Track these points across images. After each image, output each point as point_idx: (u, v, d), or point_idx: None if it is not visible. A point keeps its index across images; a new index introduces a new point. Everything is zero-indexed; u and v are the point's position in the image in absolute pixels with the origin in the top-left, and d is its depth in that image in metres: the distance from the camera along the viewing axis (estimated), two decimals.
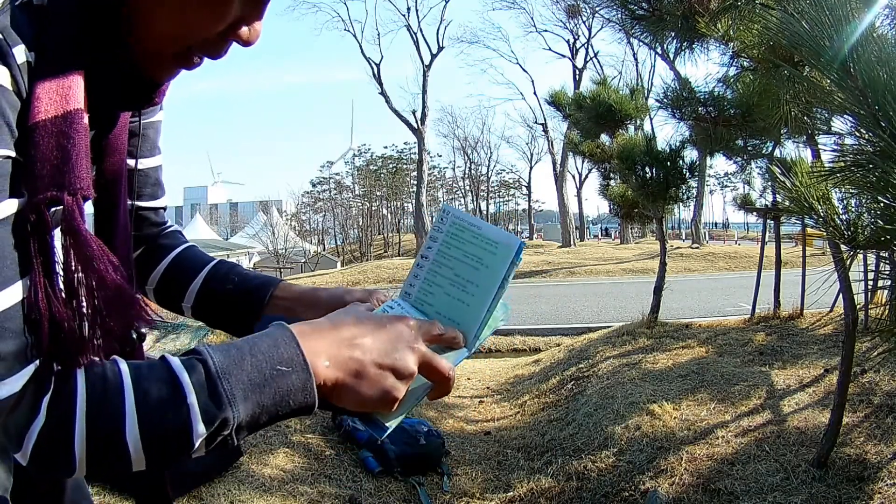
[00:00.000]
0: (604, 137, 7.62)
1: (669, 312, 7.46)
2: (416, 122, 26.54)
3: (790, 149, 4.76)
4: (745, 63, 3.32)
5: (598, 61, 30.86)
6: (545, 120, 30.92)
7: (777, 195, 5.23)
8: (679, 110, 4.26)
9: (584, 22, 28.30)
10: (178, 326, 5.10)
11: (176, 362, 0.48)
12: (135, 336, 0.68)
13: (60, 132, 0.48)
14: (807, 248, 5.96)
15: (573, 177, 36.11)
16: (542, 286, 13.60)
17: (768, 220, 6.14)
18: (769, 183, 5.83)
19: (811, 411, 3.31)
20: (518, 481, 3.26)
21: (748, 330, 5.27)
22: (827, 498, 2.48)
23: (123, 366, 0.48)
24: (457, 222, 0.64)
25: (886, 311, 1.80)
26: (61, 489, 0.68)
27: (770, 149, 4.74)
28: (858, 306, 2.93)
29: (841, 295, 2.88)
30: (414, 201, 34.86)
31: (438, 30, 44.38)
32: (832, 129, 1.80)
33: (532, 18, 47.93)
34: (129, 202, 0.75)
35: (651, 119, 7.78)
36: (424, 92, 26.97)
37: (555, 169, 28.92)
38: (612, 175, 7.82)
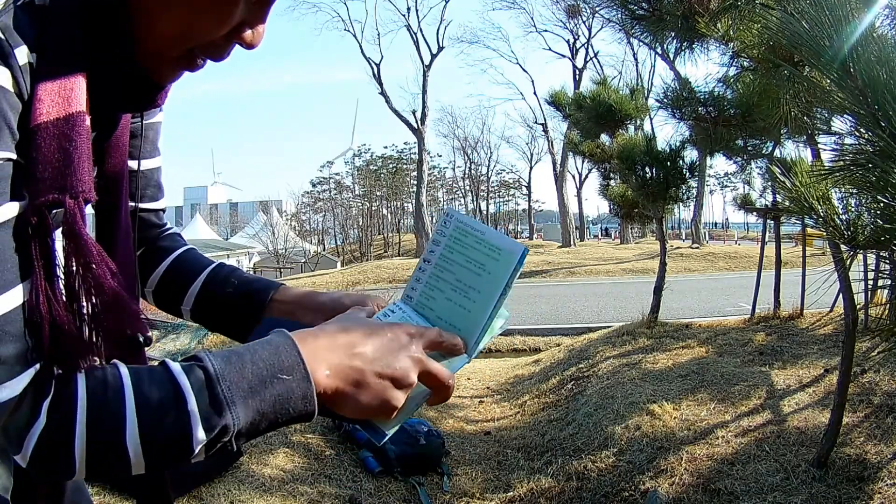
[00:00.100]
0: (604, 137, 7.63)
1: (669, 312, 7.46)
2: (416, 122, 26.54)
3: (790, 149, 4.76)
4: (745, 63, 3.32)
5: (598, 61, 30.90)
6: (545, 120, 30.94)
7: (777, 195, 5.23)
8: (679, 110, 4.26)
9: (584, 22, 28.33)
10: (178, 327, 5.10)
11: (177, 368, 0.48)
12: (141, 339, 0.68)
13: (62, 134, 0.48)
14: (807, 248, 5.96)
15: (573, 177, 36.14)
16: (542, 286, 13.60)
17: (768, 220, 6.14)
18: (769, 183, 5.83)
19: (811, 411, 3.31)
20: (518, 481, 3.26)
21: (748, 330, 5.27)
22: (827, 498, 2.48)
23: (124, 370, 0.48)
24: (460, 227, 0.64)
25: (886, 311, 1.81)
26: (61, 490, 0.68)
27: (770, 149, 4.74)
28: (858, 306, 2.93)
29: (841, 295, 2.88)
30: (414, 201, 34.86)
31: (438, 30, 44.45)
32: (832, 128, 1.80)
33: (532, 18, 48.04)
34: (133, 204, 0.75)
35: (651, 119, 7.79)
36: (424, 92, 26.97)
37: (555, 169, 28.93)
38: (612, 175, 7.82)
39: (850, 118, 1.41)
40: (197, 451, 0.47)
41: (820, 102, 1.65)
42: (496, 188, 55.84)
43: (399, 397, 0.55)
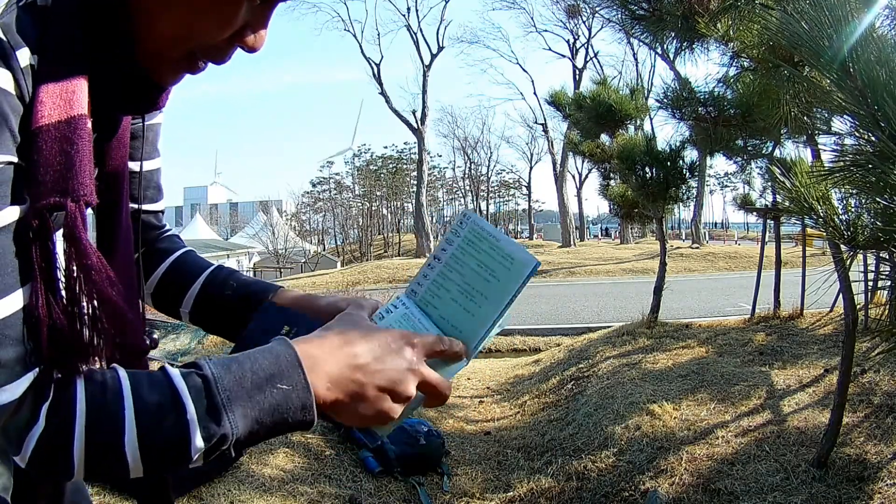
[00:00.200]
0: (604, 137, 7.63)
1: (669, 312, 7.46)
2: (416, 122, 26.54)
3: (790, 149, 4.77)
4: (745, 63, 3.32)
5: (598, 61, 30.90)
6: (545, 120, 30.94)
7: (777, 195, 5.23)
8: (679, 110, 4.26)
9: (584, 22, 28.33)
10: (177, 327, 5.10)
11: (176, 376, 0.48)
12: (148, 342, 0.68)
13: (64, 137, 0.48)
14: (807, 248, 5.96)
15: (573, 177, 36.15)
16: (542, 286, 13.60)
17: (768, 220, 6.14)
18: (769, 183, 5.83)
19: (811, 411, 3.31)
20: (518, 481, 3.27)
21: (748, 330, 5.27)
22: (827, 498, 2.48)
23: (123, 376, 0.48)
24: (476, 230, 0.63)
25: (886, 311, 1.81)
26: (61, 491, 0.68)
27: (770, 149, 4.74)
28: (858, 306, 2.93)
29: (841, 295, 2.88)
30: (414, 201, 34.86)
31: (438, 30, 44.43)
32: (832, 129, 1.80)
33: (532, 18, 47.97)
34: (136, 205, 0.75)
35: (651, 119, 7.79)
36: (424, 92, 26.97)
37: (555, 169, 28.93)
38: (612, 175, 7.82)
39: (849, 118, 1.41)
40: (195, 457, 0.48)
41: (820, 103, 1.65)
42: (496, 188, 55.86)
43: (396, 409, 0.56)
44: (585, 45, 29.45)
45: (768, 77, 2.83)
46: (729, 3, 2.76)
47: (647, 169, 5.80)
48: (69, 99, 0.49)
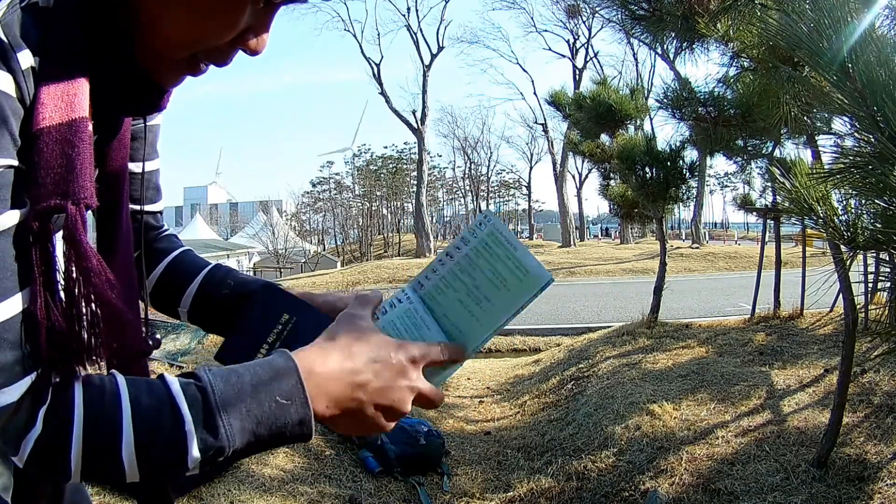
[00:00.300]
0: (604, 137, 7.62)
1: (669, 312, 7.46)
2: (416, 122, 26.53)
3: (790, 149, 4.77)
4: (745, 63, 3.32)
5: (598, 61, 30.88)
6: (545, 120, 30.93)
7: (777, 195, 5.23)
8: (679, 110, 4.26)
9: (584, 22, 28.31)
10: (177, 327, 5.10)
11: (175, 387, 0.49)
12: (150, 343, 0.69)
13: (65, 140, 0.48)
14: (807, 248, 5.96)
15: (573, 177, 36.14)
16: None
17: (768, 221, 6.14)
18: (769, 183, 5.83)
19: (811, 411, 3.31)
20: (518, 481, 3.27)
21: (748, 330, 5.27)
22: (827, 498, 2.48)
23: (122, 384, 0.48)
24: (494, 233, 0.62)
25: (886, 312, 1.81)
26: (61, 491, 0.68)
27: (770, 149, 4.74)
28: (858, 307, 2.93)
29: (841, 295, 2.88)
30: (414, 201, 34.85)
31: (438, 30, 44.33)
32: (832, 129, 1.80)
33: (532, 18, 47.86)
34: (138, 206, 0.75)
35: (651, 119, 7.78)
36: (424, 92, 26.96)
37: (555, 169, 28.92)
38: (612, 175, 7.82)
39: (849, 120, 1.41)
40: (192, 467, 0.48)
41: (819, 104, 1.65)
42: (496, 188, 55.85)
43: (391, 425, 0.57)
44: (585, 45, 29.46)
45: (768, 77, 2.83)
46: (729, 4, 2.76)
47: (647, 169, 5.80)
48: (70, 101, 0.49)
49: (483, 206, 51.30)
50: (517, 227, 55.73)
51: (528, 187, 47.61)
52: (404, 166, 52.31)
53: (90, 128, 0.51)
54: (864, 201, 1.86)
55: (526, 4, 43.80)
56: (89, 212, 0.51)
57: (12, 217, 0.46)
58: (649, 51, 23.31)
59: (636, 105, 6.88)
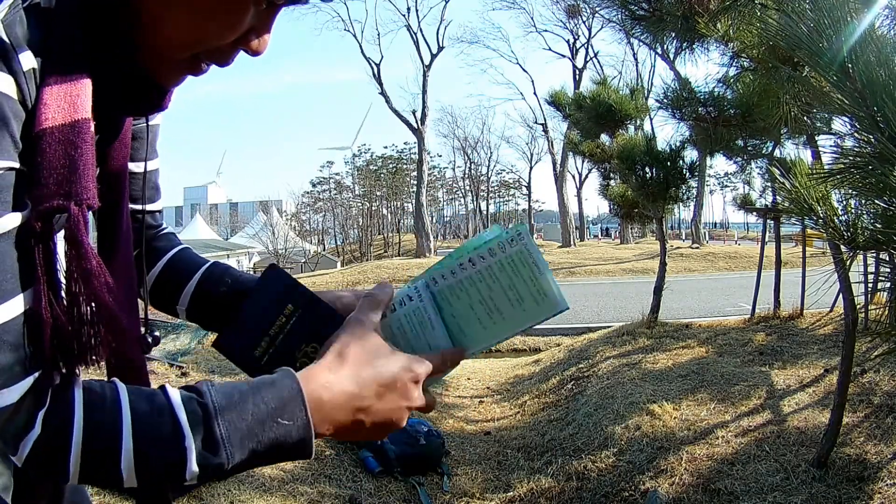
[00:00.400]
0: (604, 137, 7.63)
1: (669, 312, 7.46)
2: (416, 122, 26.54)
3: (790, 149, 4.77)
4: (744, 63, 3.32)
5: (598, 61, 30.88)
6: (545, 120, 30.92)
7: (777, 195, 5.23)
8: (679, 110, 4.26)
9: (584, 22, 28.32)
10: (178, 327, 5.10)
11: (176, 400, 0.49)
12: (150, 340, 0.69)
13: (68, 141, 0.48)
14: (807, 248, 5.97)
15: (573, 177, 36.14)
16: None
17: (768, 221, 6.14)
18: (769, 183, 5.83)
19: (811, 411, 3.32)
20: (518, 481, 3.27)
21: (748, 330, 5.27)
22: (827, 498, 2.48)
23: (123, 394, 0.48)
24: (524, 253, 0.61)
25: (886, 312, 1.81)
26: (61, 491, 0.69)
27: (770, 149, 4.74)
28: (858, 306, 2.93)
29: (841, 295, 2.88)
30: (414, 201, 34.84)
31: (438, 30, 44.27)
32: (832, 129, 1.80)
33: (532, 18, 47.75)
34: (138, 206, 0.76)
35: (651, 119, 7.78)
36: (424, 92, 26.96)
37: (555, 169, 28.93)
38: (612, 175, 7.82)
39: (849, 120, 1.41)
40: (189, 479, 0.48)
41: (819, 104, 1.65)
42: (496, 188, 55.83)
43: (386, 436, 0.59)
44: (585, 45, 29.47)
45: (768, 77, 2.83)
46: (729, 4, 2.76)
47: (647, 169, 5.80)
48: (73, 102, 0.49)
49: (483, 206, 51.30)
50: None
51: (528, 187, 47.59)
52: (404, 166, 52.30)
53: (92, 128, 0.51)
54: (864, 201, 1.86)
55: (526, 4, 43.79)
56: (90, 212, 0.51)
57: (13, 220, 0.46)
58: (649, 51, 23.31)
59: (636, 105, 6.89)
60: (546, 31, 31.51)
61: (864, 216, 1.94)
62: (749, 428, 3.24)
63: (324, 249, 43.41)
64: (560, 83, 20.75)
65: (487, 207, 53.22)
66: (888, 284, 1.65)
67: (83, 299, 0.49)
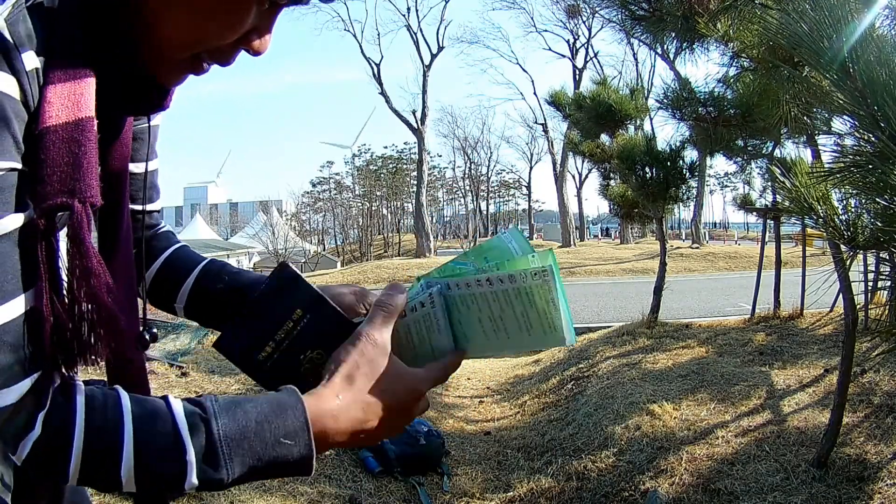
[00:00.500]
0: (604, 137, 7.63)
1: (669, 312, 7.46)
2: (416, 122, 26.54)
3: (790, 149, 4.76)
4: (744, 63, 3.32)
5: (598, 61, 30.90)
6: (545, 120, 30.94)
7: (777, 195, 5.23)
8: (679, 110, 4.26)
9: (584, 22, 28.33)
10: (178, 327, 5.10)
11: (179, 414, 0.49)
12: (147, 337, 0.69)
13: (72, 139, 0.48)
14: (807, 248, 5.97)
15: (573, 177, 36.13)
16: None
17: (768, 220, 6.14)
18: (769, 183, 5.84)
19: (811, 411, 3.31)
20: (518, 481, 3.27)
21: (748, 330, 5.27)
22: (827, 498, 2.48)
23: (126, 404, 0.49)
24: (544, 288, 0.60)
25: (886, 312, 1.81)
26: (61, 491, 0.69)
27: (770, 149, 4.74)
28: (858, 306, 2.93)
29: (841, 295, 2.88)
30: (414, 201, 34.85)
31: (438, 30, 44.26)
32: (832, 129, 1.80)
33: (532, 18, 47.75)
34: (138, 206, 0.76)
35: (651, 119, 7.77)
36: (424, 92, 26.97)
37: (555, 169, 28.93)
38: (612, 175, 7.82)
39: (849, 119, 1.41)
40: (188, 489, 0.49)
41: (820, 103, 1.65)
42: (496, 188, 55.87)
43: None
44: (585, 45, 29.48)
45: (768, 77, 2.83)
46: (729, 3, 2.76)
47: (647, 169, 5.80)
48: (77, 100, 0.49)
49: (483, 206, 51.30)
50: (517, 228, 55.73)
51: (528, 187, 47.63)
52: (404, 166, 52.31)
53: (96, 127, 0.51)
54: (864, 200, 1.86)
55: (526, 4, 43.81)
56: (93, 210, 0.51)
57: (15, 220, 0.45)
58: (649, 51, 23.30)
59: (636, 105, 6.89)
60: (546, 31, 31.56)
61: (865, 215, 1.94)
62: (749, 428, 3.24)
63: (324, 249, 43.40)
64: (560, 83, 20.75)
65: (487, 207, 53.27)
66: (888, 283, 1.65)
67: (84, 298, 0.49)
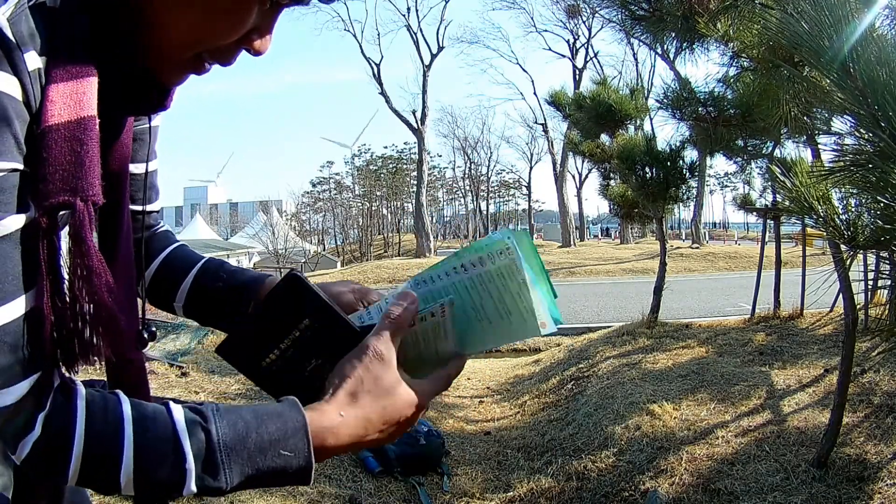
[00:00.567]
0: (604, 137, 7.62)
1: (669, 312, 7.46)
2: (416, 122, 26.54)
3: (790, 149, 4.76)
4: (744, 63, 3.32)
5: (598, 61, 30.91)
6: (545, 120, 30.95)
7: (777, 195, 5.23)
8: (679, 110, 4.26)
9: (584, 22, 28.34)
10: (178, 327, 5.10)
11: (180, 421, 0.49)
12: (146, 335, 0.69)
13: (74, 137, 0.48)
14: (807, 248, 5.97)
15: (573, 177, 36.17)
16: None
17: (768, 220, 6.14)
18: (769, 183, 5.84)
19: (811, 411, 3.31)
20: (518, 481, 3.26)
21: (748, 330, 5.27)
22: (827, 498, 2.48)
23: (126, 410, 0.49)
24: (511, 267, 0.59)
25: (886, 311, 1.81)
26: (61, 491, 0.69)
27: (770, 149, 4.74)
28: (858, 306, 2.93)
29: (841, 295, 2.88)
30: (414, 201, 34.84)
31: (438, 30, 44.37)
32: (832, 128, 1.80)
33: (532, 18, 47.89)
34: (138, 207, 0.76)
35: (651, 119, 7.77)
36: (424, 92, 26.97)
37: (555, 169, 28.94)
38: (612, 175, 7.82)
39: (850, 118, 1.41)
40: (186, 495, 0.49)
41: (820, 103, 1.65)
42: (496, 188, 55.85)
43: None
44: (585, 45, 29.49)
45: (768, 77, 2.83)
46: (729, 3, 2.77)
47: (647, 169, 5.80)
48: (79, 99, 0.49)
49: (483, 206, 51.28)
50: (517, 228, 55.77)
51: (528, 187, 47.60)
52: (404, 166, 52.32)
53: (98, 126, 0.51)
54: (864, 200, 1.86)
55: (526, 4, 43.86)
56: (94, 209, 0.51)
57: (16, 221, 0.45)
58: (649, 51, 23.29)
59: (636, 105, 6.89)
60: (546, 31, 31.61)
61: (865, 214, 1.94)
62: (749, 428, 3.24)
63: (324, 249, 43.40)
64: (560, 83, 20.77)
65: (487, 207, 53.25)
66: (889, 283, 1.65)
67: (85, 297, 0.49)
